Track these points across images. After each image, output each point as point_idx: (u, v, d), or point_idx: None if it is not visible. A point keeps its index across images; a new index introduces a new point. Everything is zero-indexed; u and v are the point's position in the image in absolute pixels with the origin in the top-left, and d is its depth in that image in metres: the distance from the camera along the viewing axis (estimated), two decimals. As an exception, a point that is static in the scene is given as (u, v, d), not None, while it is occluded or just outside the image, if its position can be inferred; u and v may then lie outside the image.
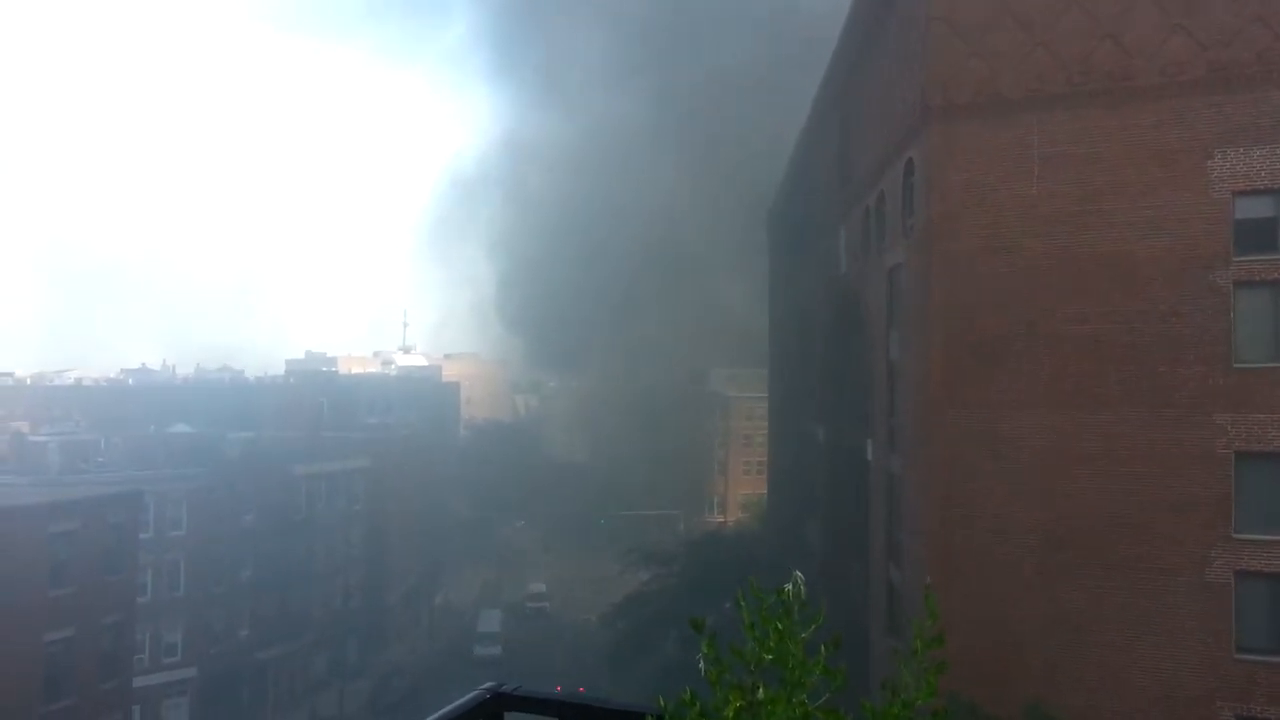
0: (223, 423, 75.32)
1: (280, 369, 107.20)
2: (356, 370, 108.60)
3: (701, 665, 3.31)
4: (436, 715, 3.37)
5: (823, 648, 3.38)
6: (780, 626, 3.35)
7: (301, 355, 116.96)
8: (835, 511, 38.08)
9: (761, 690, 3.33)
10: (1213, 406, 20.66)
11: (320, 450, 68.26)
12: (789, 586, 3.59)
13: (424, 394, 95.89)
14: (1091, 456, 21.61)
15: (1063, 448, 21.89)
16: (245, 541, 57.95)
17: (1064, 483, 21.81)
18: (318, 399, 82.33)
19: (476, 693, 3.65)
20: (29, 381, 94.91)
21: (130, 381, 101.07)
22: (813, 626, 3.46)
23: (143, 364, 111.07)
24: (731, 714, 3.43)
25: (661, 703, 3.37)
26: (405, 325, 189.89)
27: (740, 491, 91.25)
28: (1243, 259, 20.65)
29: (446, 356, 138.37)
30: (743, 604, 3.46)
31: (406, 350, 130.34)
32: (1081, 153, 22.00)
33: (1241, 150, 20.65)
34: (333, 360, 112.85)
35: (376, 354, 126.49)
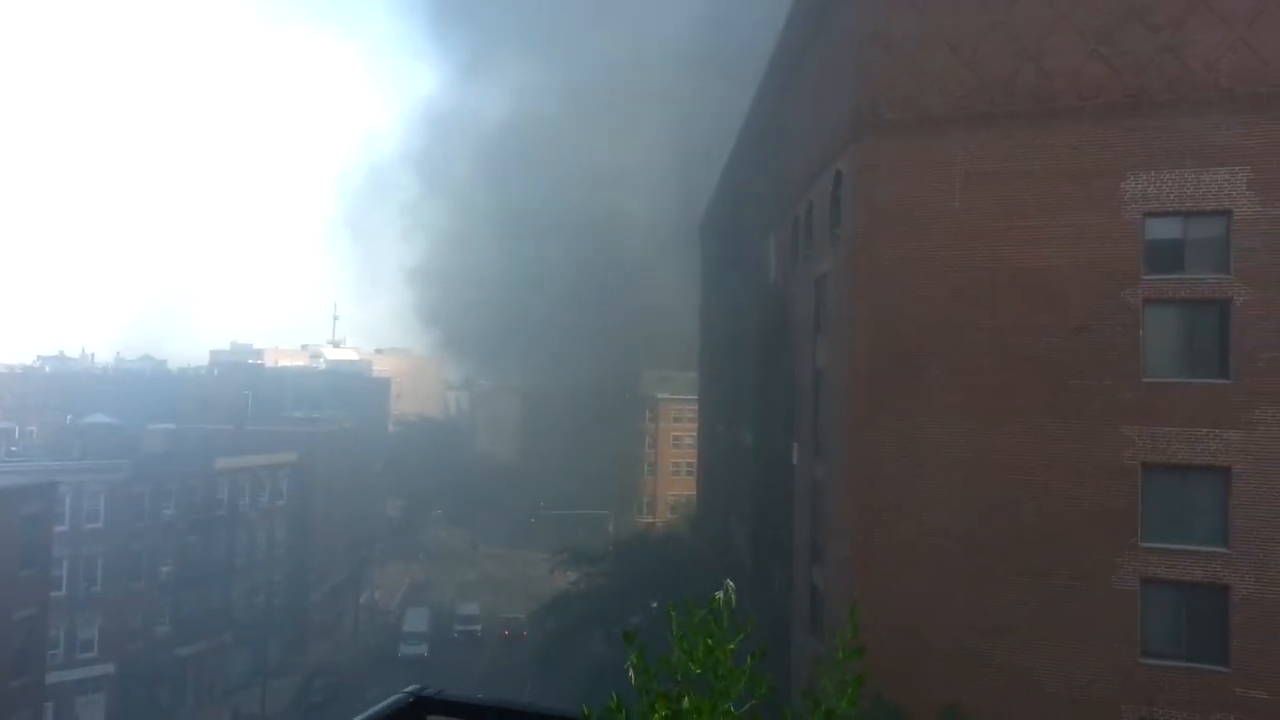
0: (143, 414, 73.51)
1: (204, 360, 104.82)
2: (284, 363, 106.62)
3: (631, 675, 3.51)
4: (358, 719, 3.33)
5: (749, 658, 3.60)
6: (710, 640, 3.55)
7: (227, 347, 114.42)
8: (761, 514, 38.72)
9: (687, 700, 3.55)
10: (1122, 419, 21.58)
11: (244, 444, 66.99)
12: (719, 594, 3.80)
13: (353, 389, 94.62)
14: (1007, 464, 22.41)
15: (980, 455, 22.66)
16: (166, 536, 56.67)
17: (981, 489, 22.58)
18: (242, 392, 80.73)
19: (399, 696, 3.60)
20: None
21: (47, 369, 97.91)
22: (740, 636, 3.69)
23: (60, 351, 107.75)
24: (657, 722, 3.62)
25: (585, 711, 3.49)
26: (336, 319, 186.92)
27: (670, 493, 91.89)
28: (1152, 278, 21.62)
29: (378, 351, 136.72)
30: (673, 614, 3.68)
31: (336, 344, 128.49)
32: (1003, 170, 22.79)
33: (1153, 174, 21.61)
34: (259, 352, 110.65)
35: (305, 347, 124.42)
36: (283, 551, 68.54)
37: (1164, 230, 21.71)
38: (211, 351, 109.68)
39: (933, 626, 22.38)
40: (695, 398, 75.64)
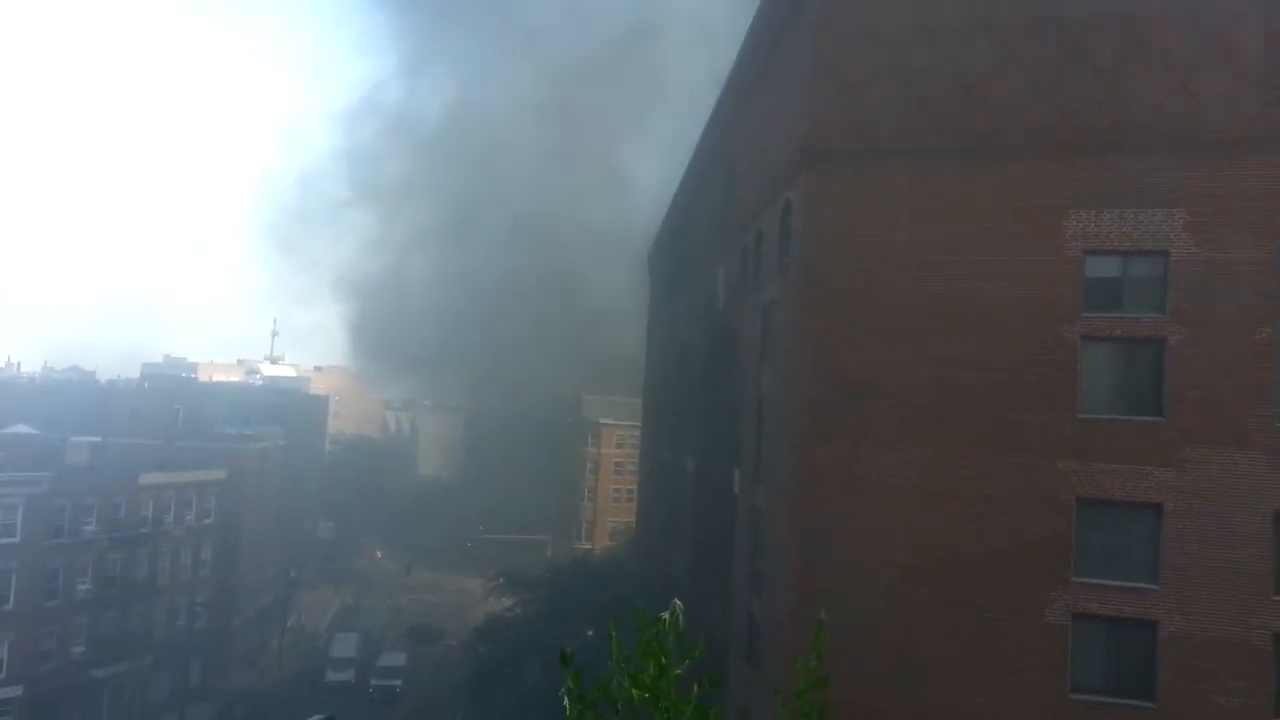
0: (68, 426, 71.24)
1: (136, 373, 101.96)
2: (219, 378, 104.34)
3: (566, 703, 3.22)
4: None
5: (695, 686, 3.35)
6: (664, 660, 3.29)
7: (160, 360, 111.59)
8: (701, 542, 38.48)
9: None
10: (1058, 453, 21.78)
11: (172, 460, 65.14)
12: (666, 615, 3.54)
13: (289, 406, 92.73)
14: (945, 496, 22.48)
15: (919, 487, 22.70)
16: (84, 552, 54.70)
17: (920, 521, 22.59)
18: (173, 406, 78.60)
19: None
20: None
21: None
22: (687, 661, 3.44)
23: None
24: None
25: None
26: (275, 334, 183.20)
27: (609, 519, 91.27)
28: (1091, 315, 21.95)
29: (317, 369, 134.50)
30: (613, 635, 3.39)
31: (274, 360, 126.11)
32: (948, 205, 23.01)
33: (1093, 213, 22.00)
34: (193, 366, 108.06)
35: (242, 363, 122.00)
36: (208, 572, 66.62)
37: (1103, 269, 22.07)
38: (144, 365, 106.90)
39: (869, 659, 22.26)
40: (638, 423, 75.41)
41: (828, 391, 23.57)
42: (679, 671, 3.48)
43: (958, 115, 23.11)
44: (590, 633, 45.50)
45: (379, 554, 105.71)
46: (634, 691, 3.41)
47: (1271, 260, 20.81)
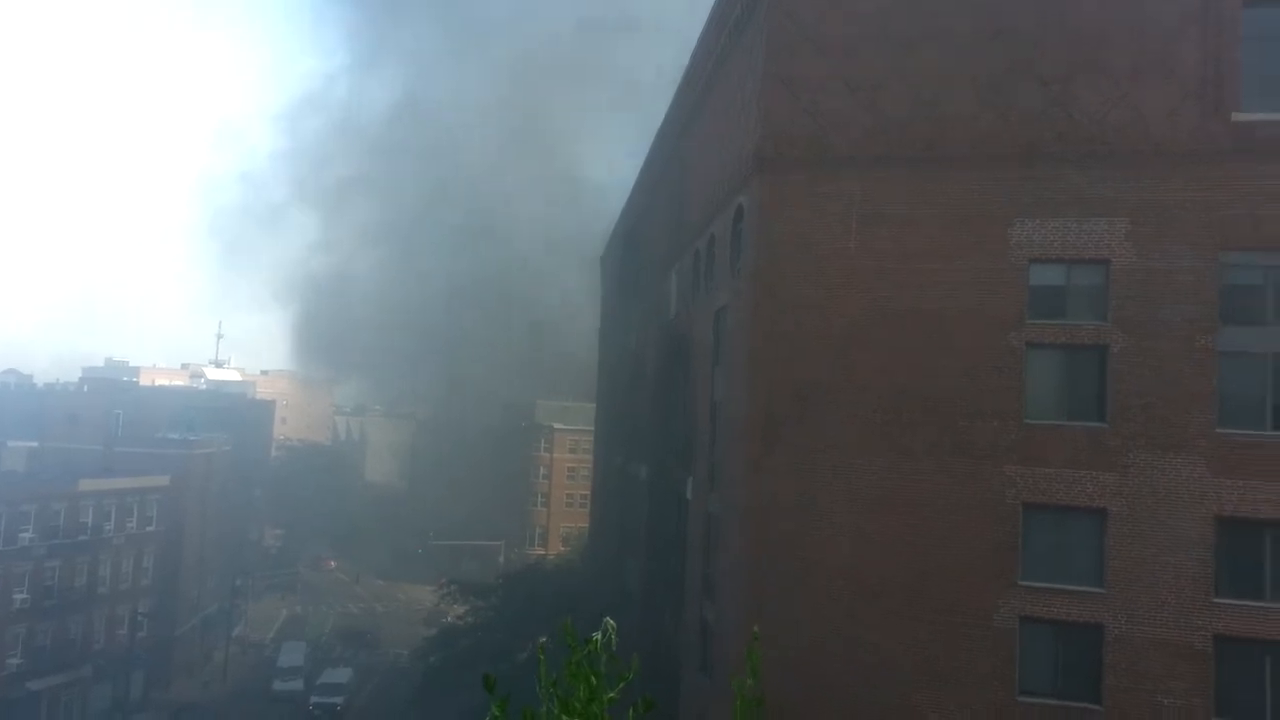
0: (4, 430, 69.32)
1: (75, 376, 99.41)
2: (162, 383, 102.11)
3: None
4: None
5: (631, 710, 3.22)
6: (594, 681, 3.15)
7: (100, 364, 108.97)
8: (654, 548, 38.39)
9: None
10: (1004, 459, 22.03)
11: (113, 465, 63.62)
12: (599, 635, 3.38)
13: (234, 411, 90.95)
14: (895, 502, 22.61)
15: (869, 493, 22.81)
16: (21, 561, 53.16)
17: (869, 527, 22.70)
18: (113, 410, 76.73)
19: None
20: None
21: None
22: (622, 683, 3.30)
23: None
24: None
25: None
26: (220, 337, 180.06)
27: (563, 524, 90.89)
28: (1035, 322, 22.23)
29: (263, 373, 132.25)
30: (542, 658, 3.27)
31: (219, 364, 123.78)
32: (898, 213, 23.20)
33: (1038, 221, 22.30)
34: (135, 370, 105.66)
35: (186, 366, 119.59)
36: (150, 580, 65.09)
37: (1048, 277, 22.38)
38: (84, 368, 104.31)
39: (819, 664, 22.31)
40: (591, 429, 75.18)
41: (779, 398, 23.60)
42: (613, 695, 3.32)
43: (907, 124, 23.31)
44: (544, 639, 45.18)
45: (332, 564, 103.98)
46: (563, 718, 3.25)
47: (1211, 270, 21.24)
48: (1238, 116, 21.45)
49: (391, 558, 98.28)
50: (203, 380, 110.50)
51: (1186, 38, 21.84)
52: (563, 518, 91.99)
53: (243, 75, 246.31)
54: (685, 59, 34.69)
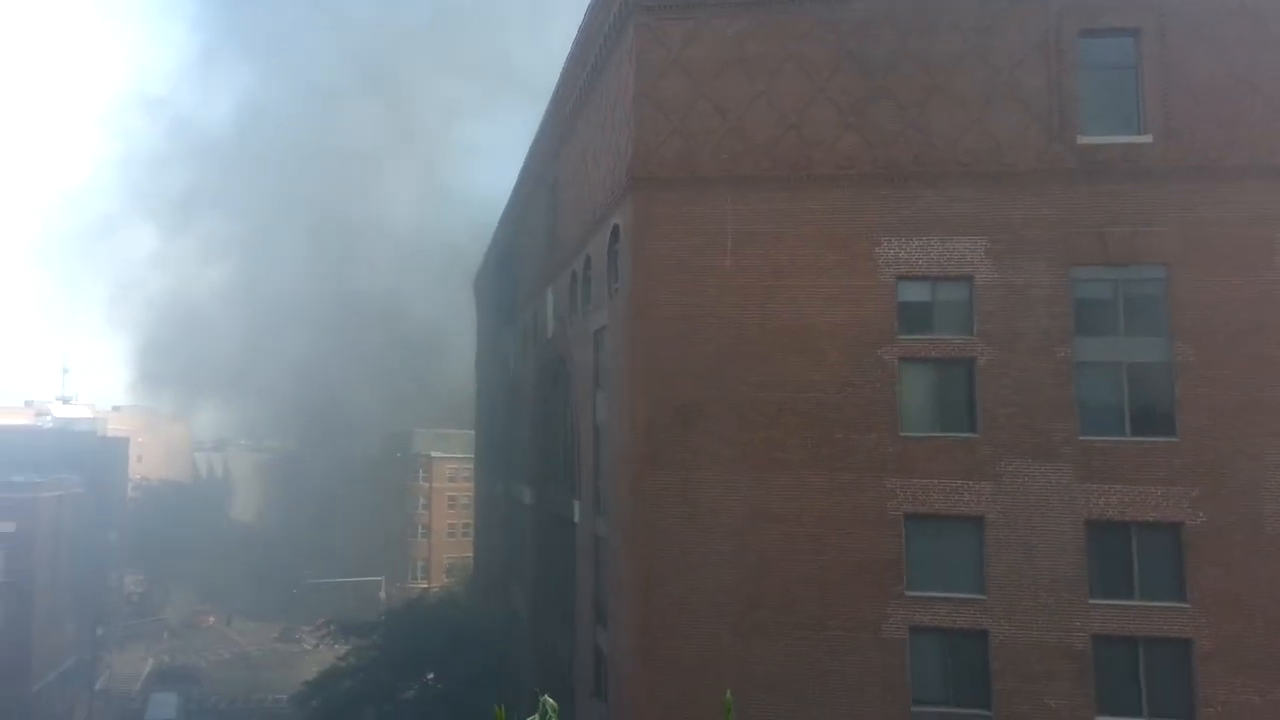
0: None
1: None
2: (4, 422, 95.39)
3: None
4: None
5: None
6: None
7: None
8: (543, 574, 37.89)
9: None
10: (883, 471, 22.59)
11: (-48, 517, 58.94)
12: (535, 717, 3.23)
13: (85, 450, 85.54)
14: (780, 518, 22.88)
15: (754, 509, 23.02)
16: None
17: (756, 543, 22.90)
18: (-51, 456, 71.21)
19: None
20: None
21: None
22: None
23: None
24: None
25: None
26: (65, 371, 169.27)
27: (446, 555, 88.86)
28: (906, 337, 22.94)
29: (115, 409, 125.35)
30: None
31: (66, 401, 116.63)
32: (769, 232, 23.61)
33: (902, 240, 23.06)
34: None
35: (29, 404, 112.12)
36: (-2, 637, 60.55)
37: (915, 293, 23.14)
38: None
39: (713, 685, 22.27)
40: (471, 456, 73.89)
41: (661, 418, 23.63)
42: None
43: (774, 145, 23.76)
44: (430, 676, 43.93)
45: (211, 619, 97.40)
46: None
47: (1064, 284, 22.36)
48: (1083, 139, 22.69)
49: (265, 598, 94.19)
50: (49, 418, 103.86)
51: (1031, 64, 22.99)
52: (445, 549, 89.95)
53: (72, 77, 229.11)
54: (560, 61, 33.83)
